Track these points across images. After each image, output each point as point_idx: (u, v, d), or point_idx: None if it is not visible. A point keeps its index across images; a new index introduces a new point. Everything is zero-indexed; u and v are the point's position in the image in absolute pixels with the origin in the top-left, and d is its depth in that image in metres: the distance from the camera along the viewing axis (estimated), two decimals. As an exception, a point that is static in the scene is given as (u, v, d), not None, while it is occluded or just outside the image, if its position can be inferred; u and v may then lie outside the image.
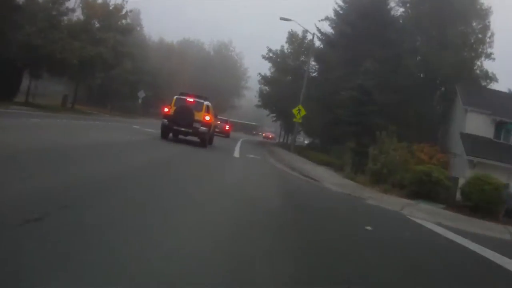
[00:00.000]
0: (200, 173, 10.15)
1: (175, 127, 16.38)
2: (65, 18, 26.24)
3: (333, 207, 9.45)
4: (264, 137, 68.26)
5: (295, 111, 27.77)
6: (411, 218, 9.25)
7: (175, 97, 17.31)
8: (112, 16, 30.25)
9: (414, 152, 20.70)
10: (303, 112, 27.68)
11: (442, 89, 30.44)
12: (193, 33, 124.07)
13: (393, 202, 11.19)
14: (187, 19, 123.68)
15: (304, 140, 50.43)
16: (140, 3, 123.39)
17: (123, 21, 31.11)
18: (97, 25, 30.20)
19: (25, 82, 26.20)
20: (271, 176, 13.10)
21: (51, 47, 22.65)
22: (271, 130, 76.71)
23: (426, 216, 9.65)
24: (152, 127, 25.69)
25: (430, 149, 22.61)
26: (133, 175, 7.37)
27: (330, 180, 14.38)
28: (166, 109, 16.59)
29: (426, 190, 13.22)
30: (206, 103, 17.21)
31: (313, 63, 34.17)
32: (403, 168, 16.20)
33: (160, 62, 60.55)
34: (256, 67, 39.99)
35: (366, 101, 22.80)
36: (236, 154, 18.24)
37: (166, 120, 16.33)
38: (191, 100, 16.89)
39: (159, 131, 16.91)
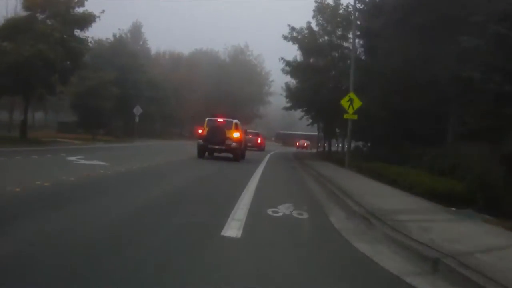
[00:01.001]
0: None
1: (209, 146, 18.06)
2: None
3: None
4: (298, 147, 57.93)
5: (344, 102, 17.67)
6: None
7: (206, 119, 19.27)
8: (60, 5, 20.97)
9: None
10: (357, 103, 17.60)
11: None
12: (207, 44, 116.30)
13: None
14: (199, 32, 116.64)
15: (340, 145, 37.72)
16: (154, 20, 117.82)
17: (78, 9, 21.48)
18: (41, 18, 21.02)
19: None
20: None
21: None
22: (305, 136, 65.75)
23: None
24: (109, 155, 15.90)
25: None
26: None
27: None
28: (200, 131, 18.59)
29: None
30: (235, 121, 19.26)
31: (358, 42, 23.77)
32: None
33: (165, 74, 51.80)
34: (278, 69, 29.28)
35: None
36: (237, 224, 5.62)
37: (201, 140, 18.26)
38: (221, 120, 18.85)
39: (111, 162, 13.37)
